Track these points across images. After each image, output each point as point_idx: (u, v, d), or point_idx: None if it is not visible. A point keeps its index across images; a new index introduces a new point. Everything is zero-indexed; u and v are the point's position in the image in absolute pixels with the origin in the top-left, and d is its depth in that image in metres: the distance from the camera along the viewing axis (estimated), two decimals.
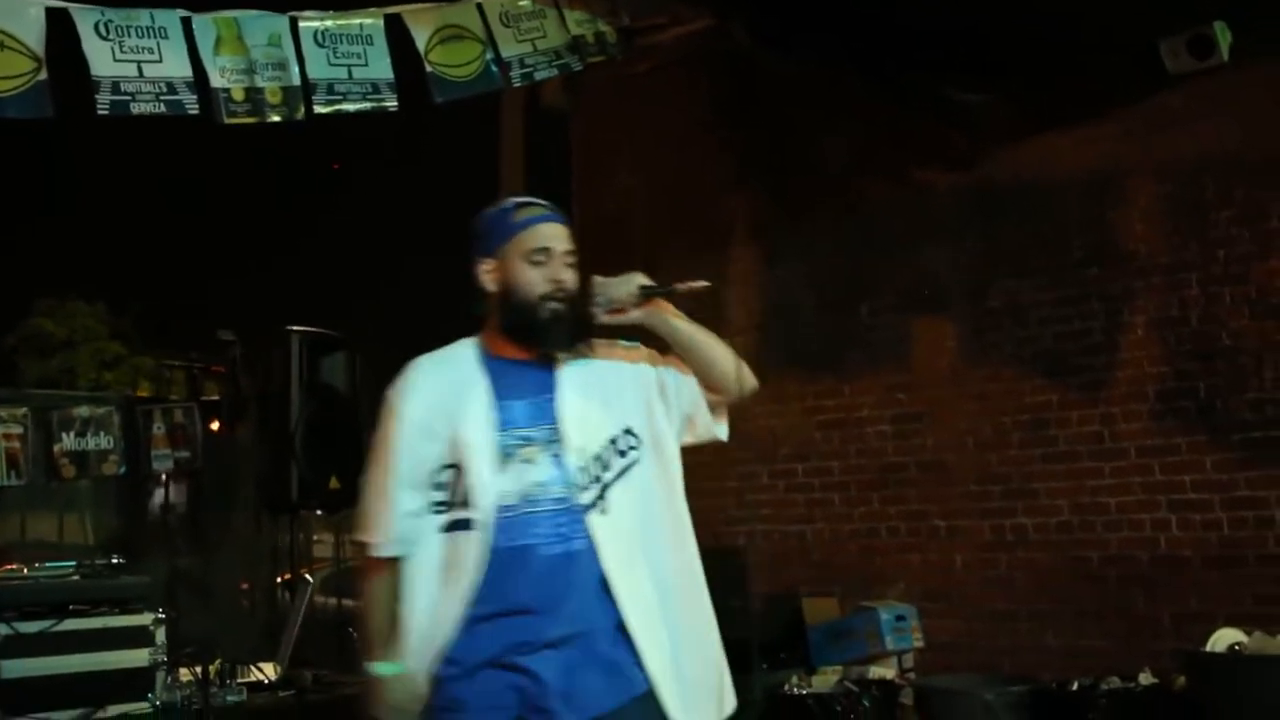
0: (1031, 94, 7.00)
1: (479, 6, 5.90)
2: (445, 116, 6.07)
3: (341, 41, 5.43)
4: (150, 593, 5.30)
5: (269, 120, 5.17)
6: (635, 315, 3.02)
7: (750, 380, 3.10)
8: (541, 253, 2.97)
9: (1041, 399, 7.17)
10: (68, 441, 6.50)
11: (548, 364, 3.00)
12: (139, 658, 5.01)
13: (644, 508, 2.95)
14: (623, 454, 2.96)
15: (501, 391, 2.95)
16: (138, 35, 4.96)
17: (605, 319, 3.00)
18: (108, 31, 4.90)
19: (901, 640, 6.89)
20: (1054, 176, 7.20)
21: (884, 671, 6.69)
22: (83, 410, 6.65)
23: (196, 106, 5.01)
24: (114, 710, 4.71)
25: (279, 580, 6.72)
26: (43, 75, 4.77)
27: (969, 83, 7.22)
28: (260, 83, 5.17)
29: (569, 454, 2.90)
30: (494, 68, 5.89)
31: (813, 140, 7.98)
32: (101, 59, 4.87)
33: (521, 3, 6.09)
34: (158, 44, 4.99)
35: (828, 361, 7.87)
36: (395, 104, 5.50)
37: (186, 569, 6.72)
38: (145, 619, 5.05)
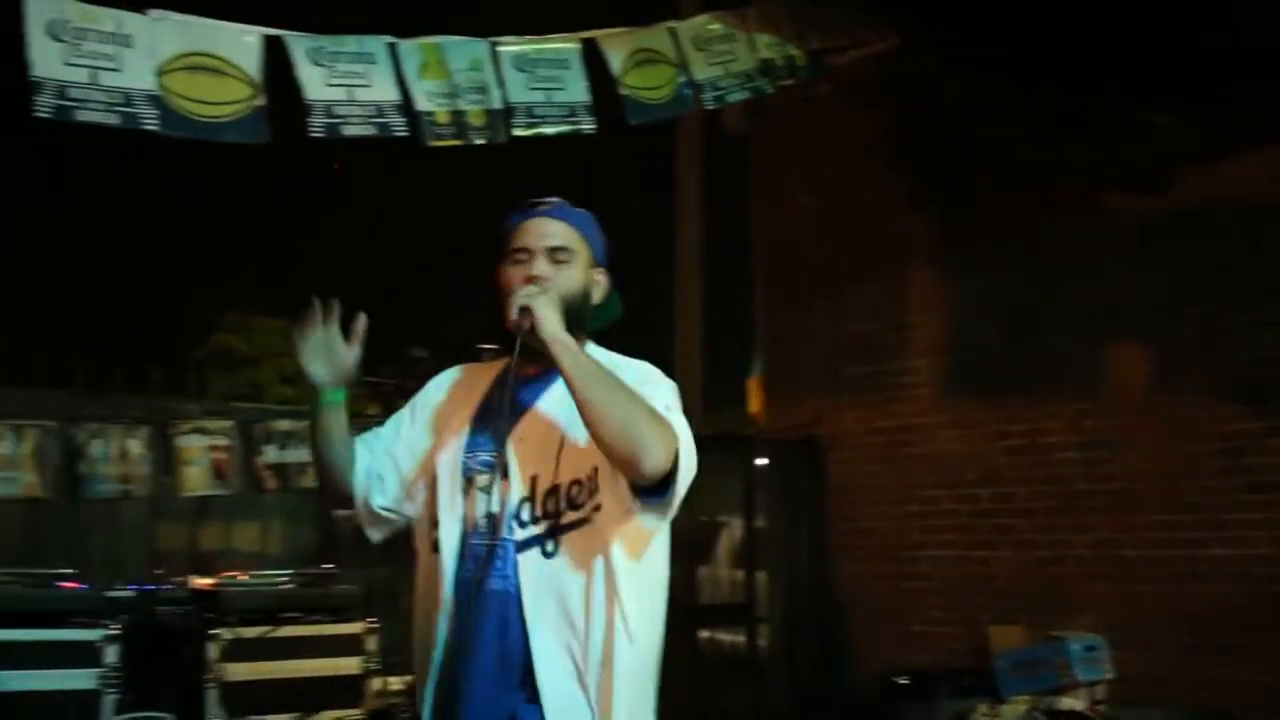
0: (1226, 115, 6.83)
1: (671, 30, 5.96)
2: (622, 138, 6.14)
3: (540, 66, 5.53)
4: (360, 601, 5.42)
5: (472, 143, 5.29)
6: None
7: (649, 460, 2.46)
8: (522, 251, 2.70)
9: (1237, 427, 6.97)
10: (270, 454, 6.73)
11: (547, 379, 2.68)
12: (351, 665, 5.15)
13: (590, 565, 2.57)
14: (594, 494, 2.60)
15: (485, 410, 2.72)
16: (348, 60, 5.12)
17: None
18: (320, 58, 5.07)
19: (1092, 671, 6.73)
20: (1248, 199, 7.00)
21: (1075, 703, 6.55)
22: (284, 424, 6.87)
23: (405, 129, 5.15)
24: (326, 716, 4.85)
25: None
26: (260, 101, 4.95)
27: (1161, 103, 7.08)
28: (463, 106, 5.30)
29: (513, 483, 2.61)
30: (687, 90, 5.95)
31: (996, 162, 7.88)
32: (315, 84, 5.04)
33: (712, 26, 6.15)
34: (367, 69, 5.15)
35: (1012, 386, 7.75)
36: (593, 127, 5.58)
37: (380, 580, 6.89)
38: (357, 627, 5.18)
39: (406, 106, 5.19)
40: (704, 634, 8.19)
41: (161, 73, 4.78)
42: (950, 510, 7.89)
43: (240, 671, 4.70)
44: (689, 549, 8.19)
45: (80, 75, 4.63)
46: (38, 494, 6.25)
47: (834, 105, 8.40)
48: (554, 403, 2.65)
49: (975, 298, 8.03)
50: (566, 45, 5.63)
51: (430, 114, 5.23)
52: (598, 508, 2.57)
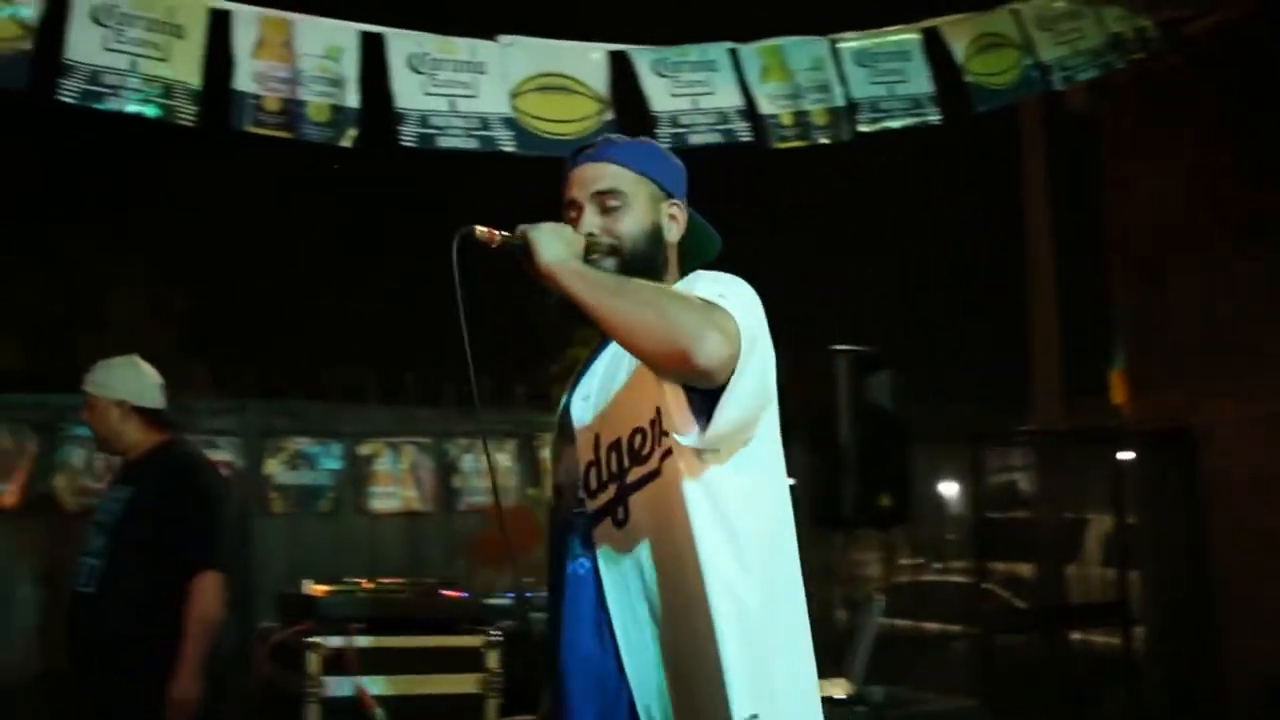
0: None
1: (1015, 12, 5.78)
2: (965, 127, 5.98)
3: (881, 59, 5.46)
4: None
5: (817, 142, 5.26)
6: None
7: (700, 351, 2.02)
8: (570, 207, 2.39)
9: None
10: None
11: None
12: None
13: (670, 524, 2.13)
14: (667, 448, 2.16)
15: (587, 365, 2.44)
16: (690, 70, 5.18)
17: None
18: (664, 69, 5.14)
19: None
20: None
21: None
22: None
23: (749, 134, 5.17)
24: None
25: (840, 597, 6.81)
26: (608, 115, 5.06)
27: None
28: (806, 106, 5.28)
29: (579, 446, 2.27)
30: (1034, 73, 5.76)
31: None
32: (660, 95, 5.12)
33: (1057, 4, 5.93)
34: (709, 76, 5.19)
35: None
36: (938, 118, 5.47)
37: None
38: None
39: (750, 111, 5.20)
40: (1075, 636, 7.89)
41: (515, 95, 4.96)
42: None
43: None
44: (1054, 547, 7.93)
45: (440, 104, 4.85)
46: (416, 507, 6.64)
47: (1184, 76, 7.96)
48: (609, 354, 2.34)
49: None
50: (907, 36, 5.54)
51: (774, 116, 5.23)
52: (667, 453, 2.13)
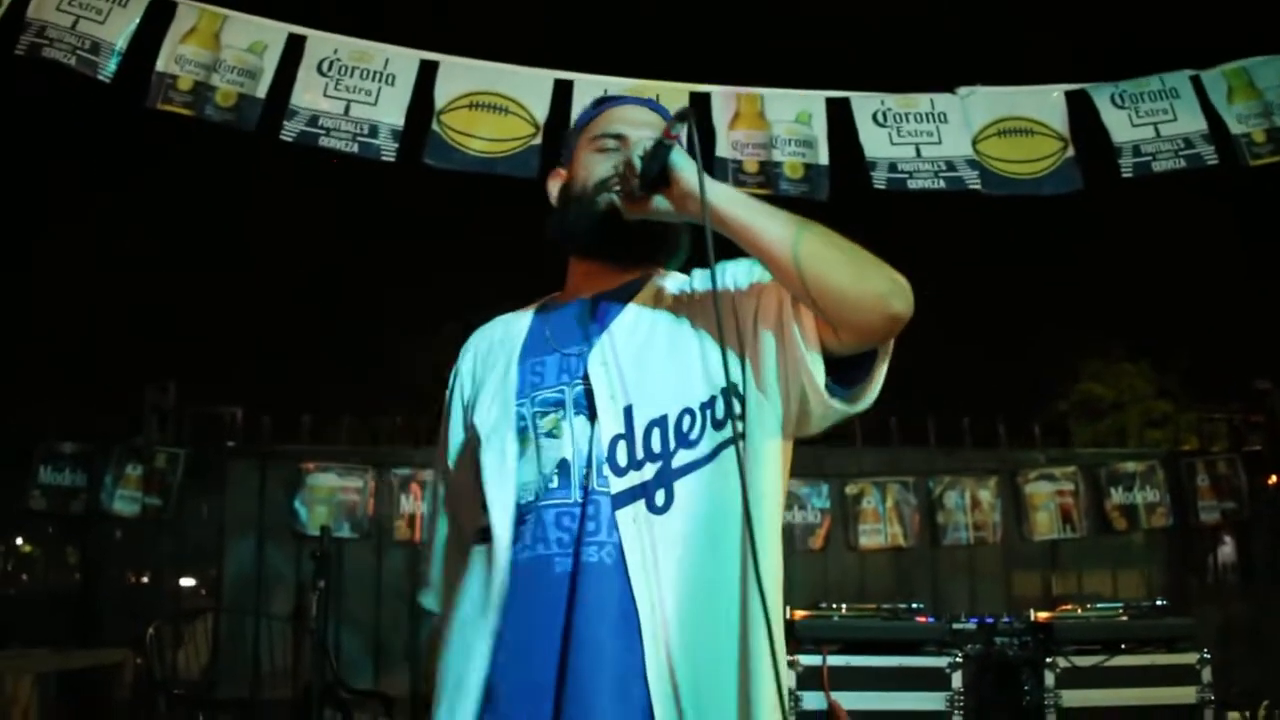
0: None
1: None
2: None
3: None
4: (1195, 634, 5.39)
5: None
6: (660, 205, 1.97)
7: (898, 298, 1.86)
8: (612, 138, 2.12)
9: None
10: (1117, 496, 6.93)
11: (620, 296, 2.10)
12: (1186, 695, 5.13)
13: (724, 514, 1.91)
14: (718, 425, 1.94)
15: (534, 346, 2.09)
16: (1151, 99, 5.19)
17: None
18: (1123, 100, 5.19)
19: None
20: None
21: None
22: (1129, 466, 7.02)
23: (1215, 156, 5.12)
24: None
25: None
26: (1070, 152, 5.16)
27: None
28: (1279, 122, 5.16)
29: (602, 418, 1.94)
30: None
31: None
32: (1120, 127, 5.16)
33: None
34: (1171, 104, 5.18)
35: None
36: None
37: (1239, 616, 6.80)
38: (1190, 658, 5.15)
39: (1216, 133, 5.15)
40: None
41: (977, 140, 5.16)
42: None
43: (1076, 698, 4.92)
44: None
45: (908, 151, 5.13)
46: (900, 543, 6.93)
47: None
48: (640, 317, 2.06)
49: None
50: None
51: (1246, 136, 5.14)
52: (725, 444, 1.93)
